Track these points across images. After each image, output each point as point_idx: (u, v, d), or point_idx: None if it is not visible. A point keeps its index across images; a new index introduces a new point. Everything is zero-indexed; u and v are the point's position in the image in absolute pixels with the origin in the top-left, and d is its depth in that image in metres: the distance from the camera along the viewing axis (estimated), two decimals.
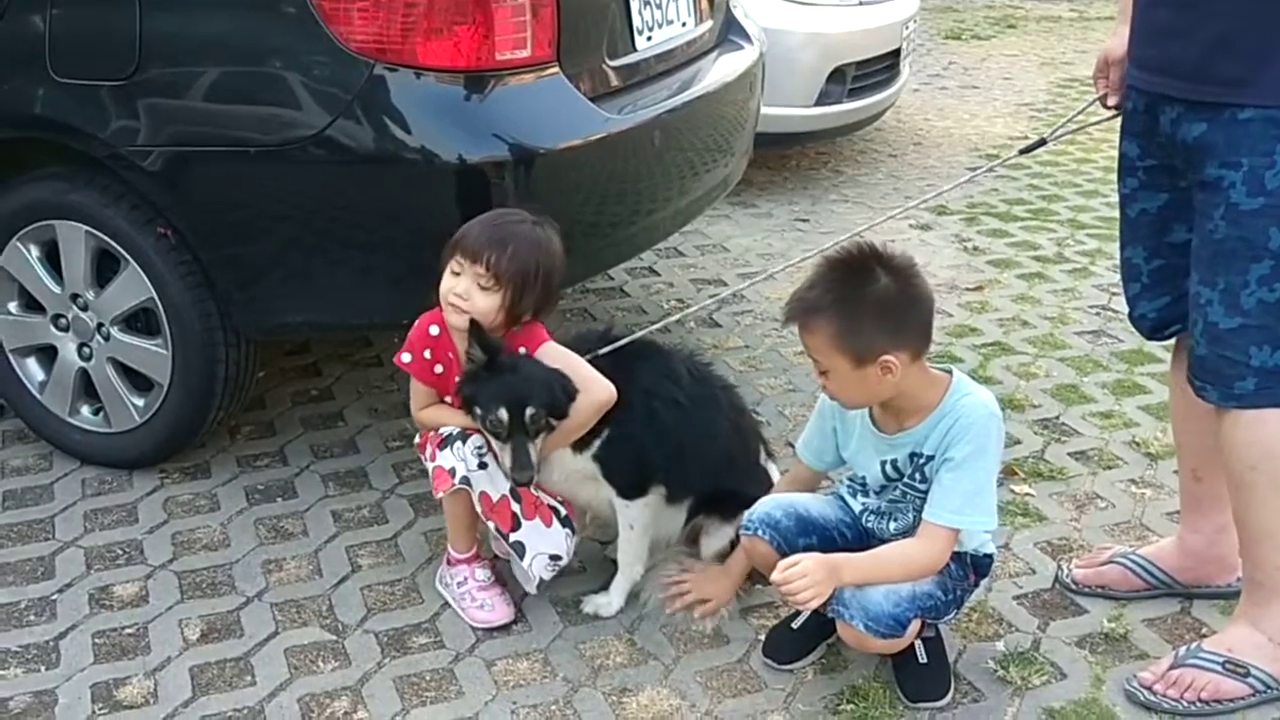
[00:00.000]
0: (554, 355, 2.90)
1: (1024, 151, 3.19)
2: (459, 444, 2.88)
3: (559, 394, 2.80)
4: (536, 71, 3.20)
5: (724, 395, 3.12)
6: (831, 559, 2.52)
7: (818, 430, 2.81)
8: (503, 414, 2.75)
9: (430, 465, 2.93)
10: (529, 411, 2.75)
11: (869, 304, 2.45)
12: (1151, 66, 2.58)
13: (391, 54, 2.99)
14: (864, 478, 2.74)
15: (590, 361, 2.89)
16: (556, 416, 2.81)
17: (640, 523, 2.99)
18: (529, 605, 3.05)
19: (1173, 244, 2.71)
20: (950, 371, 2.63)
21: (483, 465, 2.87)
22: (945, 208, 5.99)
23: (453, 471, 2.86)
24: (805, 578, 2.44)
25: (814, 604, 2.48)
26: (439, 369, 2.95)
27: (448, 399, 2.98)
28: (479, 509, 2.92)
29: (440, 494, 2.92)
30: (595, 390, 2.84)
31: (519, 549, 2.94)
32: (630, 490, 2.97)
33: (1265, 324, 2.48)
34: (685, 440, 2.95)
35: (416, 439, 3.11)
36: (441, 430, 2.93)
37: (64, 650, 2.88)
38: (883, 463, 2.66)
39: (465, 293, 2.80)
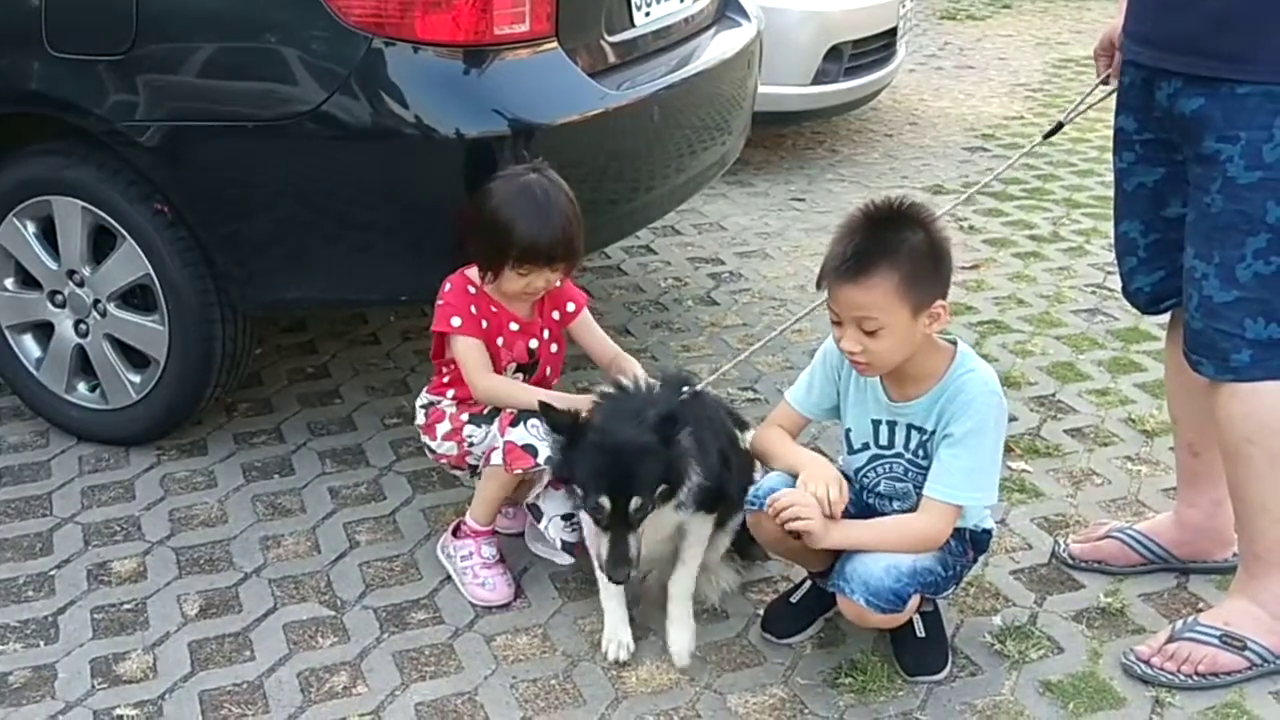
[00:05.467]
0: (589, 326, 3.08)
1: (1047, 136, 3.28)
2: (534, 420, 2.84)
3: (665, 467, 2.56)
4: (535, 46, 3.19)
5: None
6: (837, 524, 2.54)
7: (820, 378, 2.75)
8: (604, 503, 2.52)
9: (500, 440, 2.87)
10: (634, 504, 2.51)
11: (921, 249, 2.45)
12: (1150, 40, 2.58)
13: (389, 28, 2.98)
14: (849, 430, 2.72)
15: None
16: (672, 486, 2.60)
17: (709, 531, 2.83)
18: (529, 581, 3.06)
19: (1168, 218, 2.72)
20: (955, 343, 2.62)
21: None
22: (941, 187, 5.99)
23: (532, 450, 2.82)
24: (799, 506, 2.48)
25: (802, 525, 2.49)
26: (485, 324, 2.95)
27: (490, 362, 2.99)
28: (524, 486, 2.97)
29: (516, 471, 2.85)
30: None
31: (535, 512, 2.98)
32: (714, 504, 2.78)
33: (1261, 296, 2.49)
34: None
35: (419, 420, 3.11)
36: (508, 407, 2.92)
37: (63, 625, 2.88)
38: (875, 421, 2.65)
39: (544, 284, 2.91)
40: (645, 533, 2.70)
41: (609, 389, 2.74)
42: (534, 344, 3.04)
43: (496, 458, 2.88)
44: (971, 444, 2.51)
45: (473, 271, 2.98)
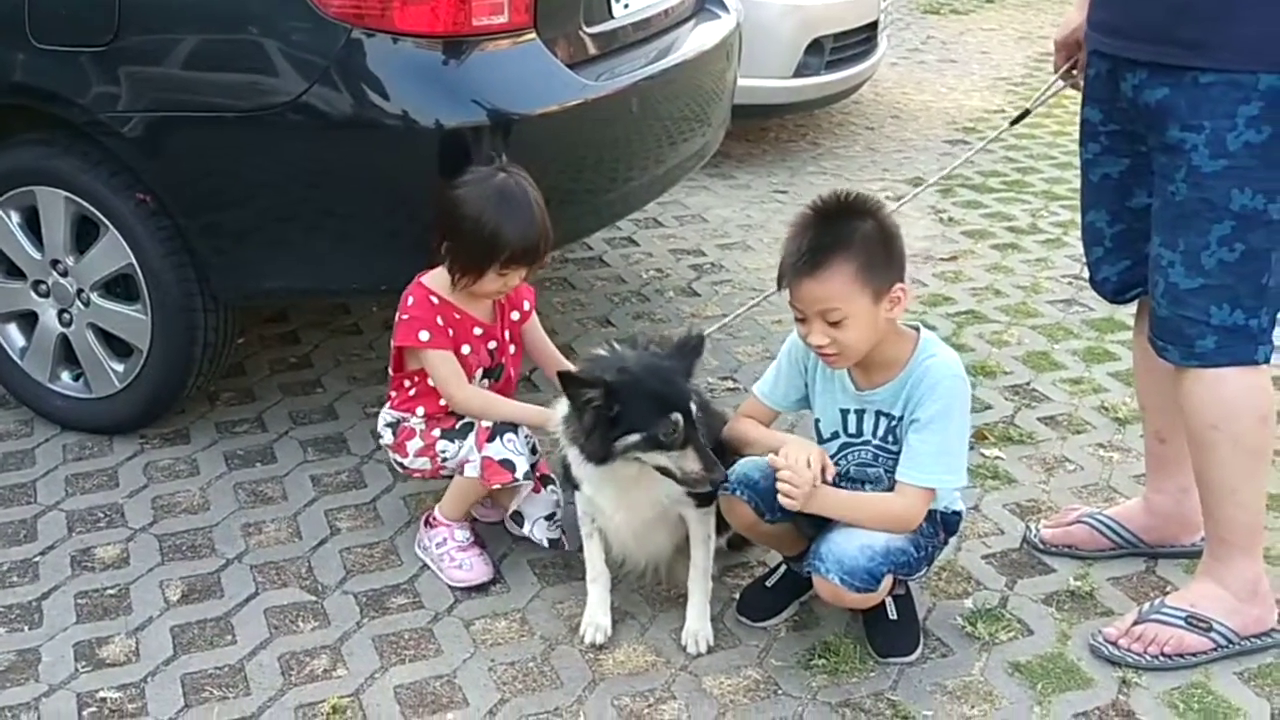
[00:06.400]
0: (538, 328, 3.12)
1: (1014, 122, 3.38)
2: (510, 435, 2.90)
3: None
4: (513, 37, 3.22)
5: None
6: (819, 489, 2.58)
7: (788, 369, 2.80)
8: (677, 419, 2.52)
9: (477, 455, 2.90)
10: (695, 409, 2.57)
11: (873, 235, 2.50)
12: (1115, 30, 2.62)
13: (369, 19, 3.01)
14: (819, 420, 2.77)
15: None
16: None
17: (713, 528, 2.85)
18: (507, 567, 3.09)
19: (1134, 208, 2.76)
20: (918, 329, 2.67)
21: (534, 451, 2.93)
22: (922, 180, 6.02)
23: (510, 465, 2.86)
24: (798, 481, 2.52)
25: (789, 490, 2.53)
26: (451, 333, 2.96)
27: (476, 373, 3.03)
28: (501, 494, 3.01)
29: (495, 486, 2.90)
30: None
31: (518, 520, 3.04)
32: (709, 498, 2.79)
33: (1225, 283, 2.53)
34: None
35: (386, 439, 3.09)
36: (483, 422, 2.94)
37: (47, 610, 2.91)
38: (843, 410, 2.70)
39: (518, 281, 2.93)
40: (643, 527, 2.79)
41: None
42: (493, 345, 3.05)
43: (471, 470, 2.92)
44: (939, 427, 2.56)
45: (431, 279, 2.98)
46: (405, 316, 2.94)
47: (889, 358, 2.61)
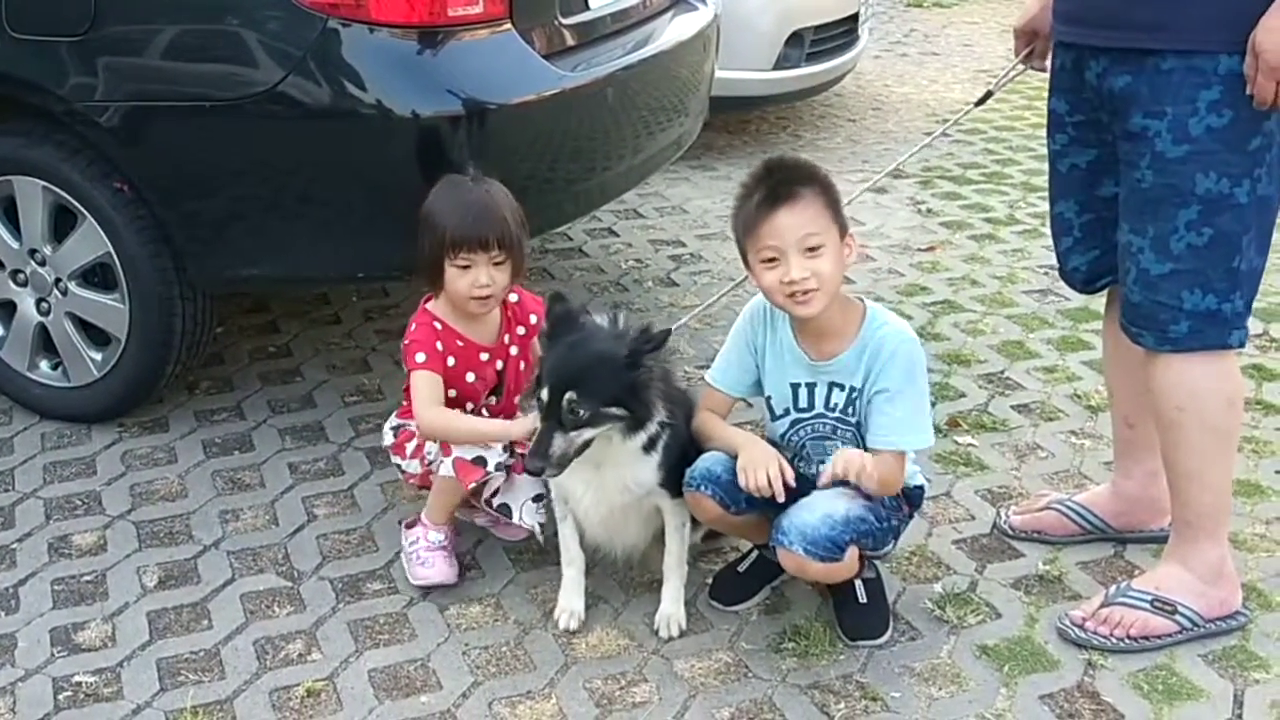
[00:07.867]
0: None
1: (977, 104, 3.42)
2: None
3: (622, 385, 2.56)
4: (489, 28, 3.24)
5: None
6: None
7: (737, 352, 2.82)
8: (543, 394, 2.53)
9: (447, 459, 2.88)
10: (569, 398, 2.51)
11: (823, 184, 2.60)
12: (1076, 19, 2.66)
13: (345, 9, 3.03)
14: (770, 398, 2.79)
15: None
16: (622, 408, 2.57)
17: (688, 517, 2.85)
18: (483, 553, 3.12)
19: (1102, 197, 2.79)
20: (863, 300, 2.71)
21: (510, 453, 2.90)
22: (902, 171, 6.05)
23: (481, 461, 2.87)
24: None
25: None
26: (451, 361, 2.94)
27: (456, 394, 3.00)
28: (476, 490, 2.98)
29: (471, 484, 2.90)
30: None
31: (505, 510, 3.01)
32: (680, 488, 2.78)
33: (1195, 268, 2.56)
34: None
35: (387, 440, 3.08)
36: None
37: (23, 596, 2.93)
38: (794, 385, 2.73)
39: (488, 279, 2.86)
40: (613, 514, 2.79)
41: (597, 319, 2.75)
42: (500, 365, 3.05)
43: (445, 469, 2.91)
44: (907, 393, 2.62)
45: (435, 304, 2.97)
46: (407, 341, 2.93)
47: (840, 325, 2.66)
